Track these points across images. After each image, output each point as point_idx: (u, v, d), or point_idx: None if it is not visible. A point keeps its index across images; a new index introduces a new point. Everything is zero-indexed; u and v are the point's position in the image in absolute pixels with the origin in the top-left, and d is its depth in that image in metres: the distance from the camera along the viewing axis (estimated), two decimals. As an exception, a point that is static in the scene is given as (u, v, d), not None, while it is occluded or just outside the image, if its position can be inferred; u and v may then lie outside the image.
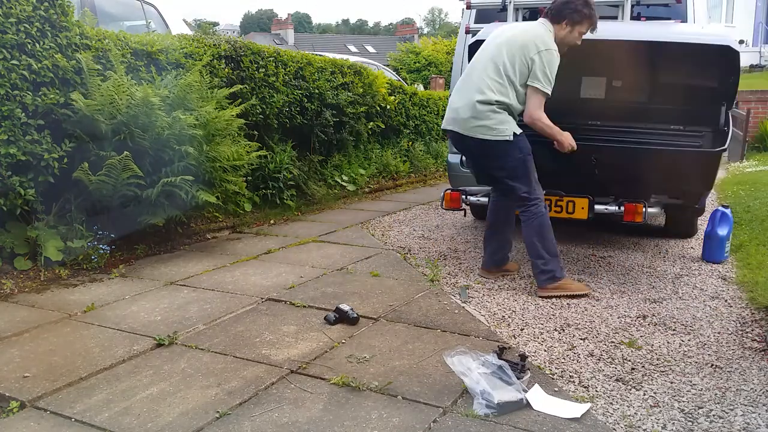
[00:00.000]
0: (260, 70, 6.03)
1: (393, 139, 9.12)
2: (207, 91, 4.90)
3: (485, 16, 4.98)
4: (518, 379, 2.44)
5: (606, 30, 3.83)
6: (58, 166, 4.06)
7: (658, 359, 2.80)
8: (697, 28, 3.88)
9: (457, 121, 3.66)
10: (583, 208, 3.97)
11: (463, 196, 4.40)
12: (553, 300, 3.58)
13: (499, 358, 2.60)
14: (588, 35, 3.66)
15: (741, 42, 24.73)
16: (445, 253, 4.67)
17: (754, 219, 5.33)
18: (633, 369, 2.70)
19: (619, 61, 4.17)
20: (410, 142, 9.39)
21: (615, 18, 4.40)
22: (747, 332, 3.11)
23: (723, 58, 3.70)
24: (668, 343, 2.98)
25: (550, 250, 3.60)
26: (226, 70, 5.59)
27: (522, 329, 3.15)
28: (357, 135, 7.95)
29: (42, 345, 2.91)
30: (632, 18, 4.31)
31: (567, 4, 3.50)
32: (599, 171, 3.91)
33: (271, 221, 5.86)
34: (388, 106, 8.63)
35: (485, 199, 4.27)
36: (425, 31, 74.02)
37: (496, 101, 3.50)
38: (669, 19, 4.37)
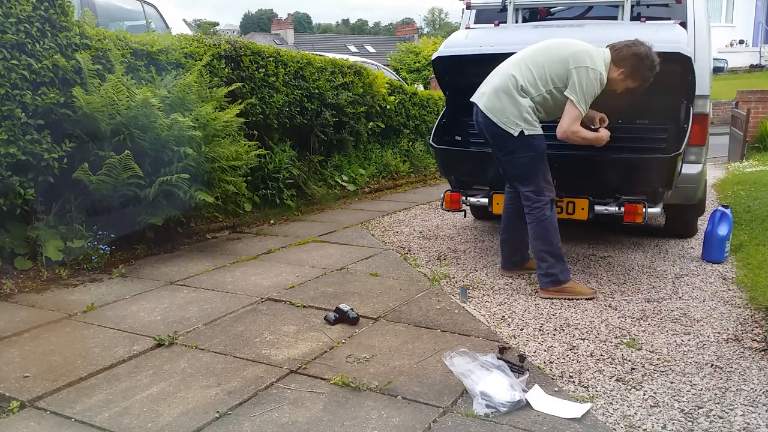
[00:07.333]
0: (260, 70, 6.03)
1: (393, 139, 9.12)
2: (206, 91, 4.90)
3: (485, 16, 4.98)
4: (518, 379, 2.44)
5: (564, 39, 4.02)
6: (58, 166, 4.06)
7: (658, 359, 2.80)
8: (651, 32, 3.93)
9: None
10: (582, 209, 3.97)
11: (463, 197, 4.39)
12: (554, 300, 3.57)
13: (499, 358, 2.61)
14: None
15: (741, 42, 24.75)
16: (445, 253, 4.67)
17: (754, 219, 5.33)
18: (633, 369, 2.70)
19: None
20: (410, 142, 9.39)
21: (615, 18, 4.40)
22: (747, 332, 3.11)
23: (677, 61, 3.78)
24: (668, 343, 2.98)
25: (553, 253, 3.59)
26: (226, 70, 5.58)
27: (522, 329, 3.15)
28: (357, 135, 7.95)
29: (42, 345, 2.91)
30: (632, 18, 4.31)
31: (638, 57, 3.48)
32: (560, 176, 3.97)
33: (271, 221, 5.86)
34: (388, 106, 8.63)
35: (485, 200, 4.26)
36: (425, 31, 74.06)
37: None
38: (669, 19, 4.37)
